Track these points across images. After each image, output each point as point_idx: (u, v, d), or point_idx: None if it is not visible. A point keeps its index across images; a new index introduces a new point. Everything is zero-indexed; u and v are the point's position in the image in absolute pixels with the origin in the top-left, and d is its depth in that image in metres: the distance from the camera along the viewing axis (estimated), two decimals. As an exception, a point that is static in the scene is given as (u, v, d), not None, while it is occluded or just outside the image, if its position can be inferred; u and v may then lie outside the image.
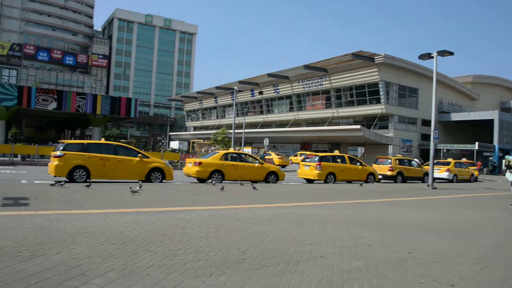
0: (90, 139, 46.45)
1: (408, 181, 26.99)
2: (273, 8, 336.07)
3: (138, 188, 13.18)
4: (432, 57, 22.35)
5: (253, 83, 70.75)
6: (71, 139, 54.62)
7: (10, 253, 5.18)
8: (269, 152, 47.70)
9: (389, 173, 26.44)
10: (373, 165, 27.53)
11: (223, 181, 18.68)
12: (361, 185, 20.54)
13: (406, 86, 55.40)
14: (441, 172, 29.15)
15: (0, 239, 5.89)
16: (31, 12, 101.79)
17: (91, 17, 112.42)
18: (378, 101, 53.51)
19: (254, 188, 15.40)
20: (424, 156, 51.81)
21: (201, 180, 19.22)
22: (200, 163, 18.94)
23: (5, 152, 31.14)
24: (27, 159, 30.64)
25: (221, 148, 52.95)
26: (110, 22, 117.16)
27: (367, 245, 6.74)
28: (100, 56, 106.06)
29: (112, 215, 8.42)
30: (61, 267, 4.67)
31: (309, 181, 23.36)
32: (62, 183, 13.72)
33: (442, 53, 22.12)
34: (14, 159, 29.81)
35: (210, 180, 18.06)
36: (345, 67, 55.67)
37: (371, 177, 24.24)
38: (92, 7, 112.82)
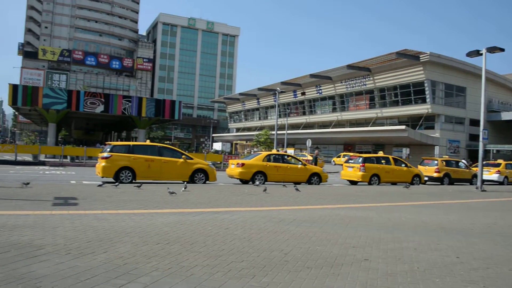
0: (135, 141, 47.52)
1: (455, 183, 26.20)
2: (314, 7, 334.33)
3: (183, 189, 13.35)
4: (481, 54, 21.54)
5: (295, 84, 70.56)
6: (117, 141, 56.05)
7: (61, 250, 5.36)
8: (304, 153, 47.47)
9: (435, 174, 25.73)
10: (419, 166, 26.89)
11: (265, 183, 18.72)
12: (407, 187, 20.08)
13: (453, 85, 53.80)
14: (490, 174, 28.10)
15: (52, 237, 6.12)
16: (80, 19, 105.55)
17: (136, 22, 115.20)
18: (423, 100, 52.24)
19: (297, 189, 15.33)
20: (472, 157, 50.17)
21: (244, 181, 19.33)
22: (243, 165, 19.04)
23: (55, 153, 32.32)
24: (76, 160, 31.66)
25: (263, 150, 53.05)
26: (154, 26, 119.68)
27: (413, 249, 6.59)
28: (145, 60, 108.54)
29: (157, 215, 8.58)
30: (108, 266, 4.80)
31: (353, 182, 23.06)
32: (117, 184, 14.28)
33: (492, 49, 21.27)
34: (63, 160, 30.86)
35: (256, 182, 18.08)
36: (389, 66, 54.67)
37: (416, 179, 23.68)
38: (137, 13, 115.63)
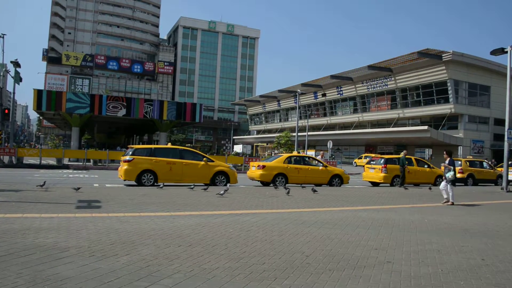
0: (157, 144, 47.95)
1: (479, 184, 25.75)
2: (337, 6, 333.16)
3: (222, 191, 13.29)
4: (506, 52, 21.18)
5: (316, 85, 70.28)
6: (139, 144, 56.64)
7: (84, 253, 5.45)
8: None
9: (459, 175, 25.19)
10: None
11: (286, 185, 18.66)
12: (429, 188, 19.79)
13: (477, 84, 52.90)
14: (516, 174, 27.48)
15: (76, 239, 6.22)
16: (102, 24, 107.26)
17: (157, 26, 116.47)
18: (446, 100, 51.50)
19: (315, 190, 15.28)
20: (497, 157, 49.24)
21: (265, 184, 19.29)
22: (263, 167, 19.03)
23: (79, 157, 32.83)
24: (99, 164, 32.09)
25: (284, 152, 52.95)
26: (175, 30, 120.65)
27: (436, 251, 6.50)
28: (166, 64, 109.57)
29: (179, 218, 8.64)
30: (130, 268, 4.86)
31: (374, 184, 22.85)
32: (192, 186, 14.98)
33: (517, 47, 20.91)
34: (87, 163, 31.32)
35: (281, 186, 17.99)
36: (411, 66, 54.05)
37: (440, 179, 23.31)
38: (158, 17, 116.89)
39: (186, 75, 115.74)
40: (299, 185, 18.34)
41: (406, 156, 24.18)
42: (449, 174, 13.48)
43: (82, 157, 31.78)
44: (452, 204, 13.42)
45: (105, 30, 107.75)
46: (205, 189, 14.58)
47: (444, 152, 14.27)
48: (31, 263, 4.85)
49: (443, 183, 13.88)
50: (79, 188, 12.82)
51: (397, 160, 22.93)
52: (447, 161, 13.76)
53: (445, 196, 13.75)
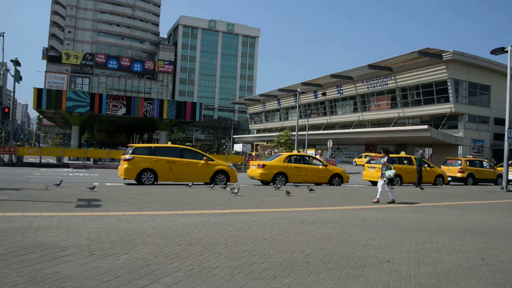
0: (157, 142, 47.89)
1: (479, 184, 25.74)
2: (337, 6, 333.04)
3: (236, 190, 13.21)
4: (506, 52, 21.18)
5: (316, 84, 70.21)
6: (139, 143, 56.53)
7: (84, 251, 5.45)
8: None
9: (459, 175, 25.33)
10: (442, 166, 26.50)
11: (286, 184, 18.67)
12: (422, 188, 19.62)
13: (477, 83, 52.84)
14: (516, 174, 27.47)
15: (76, 238, 6.22)
16: (102, 23, 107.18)
17: (157, 25, 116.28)
18: (446, 99, 51.47)
19: (312, 189, 15.28)
20: (497, 157, 49.23)
21: (265, 183, 19.29)
22: (263, 166, 19.03)
23: (79, 156, 32.82)
24: (99, 162, 32.08)
25: (284, 151, 52.93)
26: (175, 29, 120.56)
27: (436, 250, 6.50)
28: (166, 62, 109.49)
29: (178, 217, 8.64)
30: (130, 266, 4.86)
31: (374, 183, 22.79)
32: (212, 185, 15.61)
33: (517, 47, 20.90)
34: (87, 162, 31.32)
35: (281, 185, 17.95)
36: (411, 66, 53.98)
37: (439, 179, 23.35)
38: (158, 16, 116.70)
39: (186, 74, 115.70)
40: (297, 184, 18.29)
41: (406, 156, 24.22)
42: (390, 172, 13.23)
43: (82, 155, 31.77)
44: (393, 202, 13.19)
45: (105, 29, 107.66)
46: (224, 188, 15.23)
47: (381, 150, 14.14)
48: (31, 262, 4.85)
49: (381, 181, 13.59)
50: (94, 187, 12.77)
51: (397, 159, 22.93)
52: (385, 159, 13.59)
53: (377, 196, 13.28)
